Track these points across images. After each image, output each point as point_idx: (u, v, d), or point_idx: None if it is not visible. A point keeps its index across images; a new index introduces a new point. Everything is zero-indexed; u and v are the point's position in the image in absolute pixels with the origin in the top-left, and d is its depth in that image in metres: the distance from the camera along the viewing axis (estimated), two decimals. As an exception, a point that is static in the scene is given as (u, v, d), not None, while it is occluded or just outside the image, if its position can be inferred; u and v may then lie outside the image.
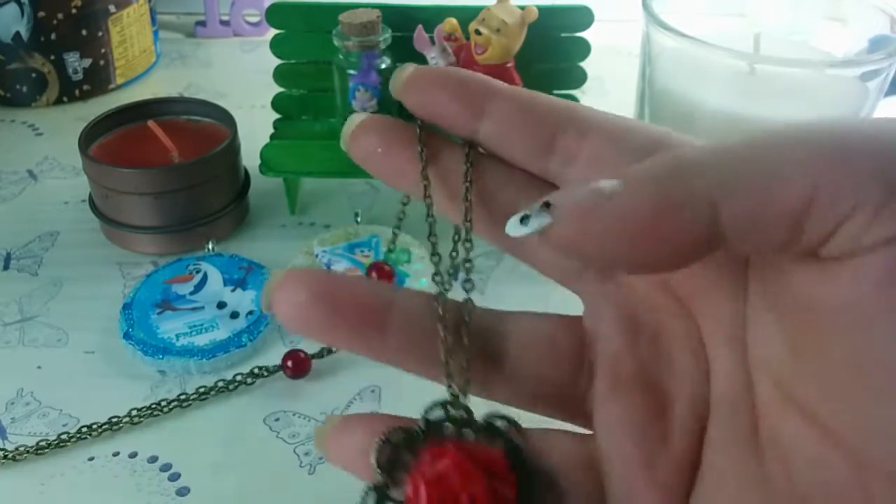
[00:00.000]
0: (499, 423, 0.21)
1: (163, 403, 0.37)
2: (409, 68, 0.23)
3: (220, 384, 0.38)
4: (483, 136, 0.23)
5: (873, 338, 0.18)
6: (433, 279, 0.23)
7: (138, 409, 0.37)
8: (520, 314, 0.24)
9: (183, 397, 0.37)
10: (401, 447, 0.21)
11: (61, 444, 0.35)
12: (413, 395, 0.39)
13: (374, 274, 0.41)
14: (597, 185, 0.19)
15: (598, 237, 0.18)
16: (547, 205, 0.19)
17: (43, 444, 0.35)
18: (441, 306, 0.22)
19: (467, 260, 0.23)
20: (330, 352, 0.40)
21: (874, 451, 0.18)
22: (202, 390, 0.38)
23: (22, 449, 0.35)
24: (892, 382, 0.18)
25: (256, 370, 0.39)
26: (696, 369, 0.22)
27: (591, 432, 0.23)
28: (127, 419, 0.36)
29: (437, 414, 0.21)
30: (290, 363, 0.38)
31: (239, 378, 0.38)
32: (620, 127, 0.22)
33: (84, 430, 0.36)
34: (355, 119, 0.24)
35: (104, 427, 0.36)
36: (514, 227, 0.19)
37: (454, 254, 0.23)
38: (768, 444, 0.21)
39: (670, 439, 0.22)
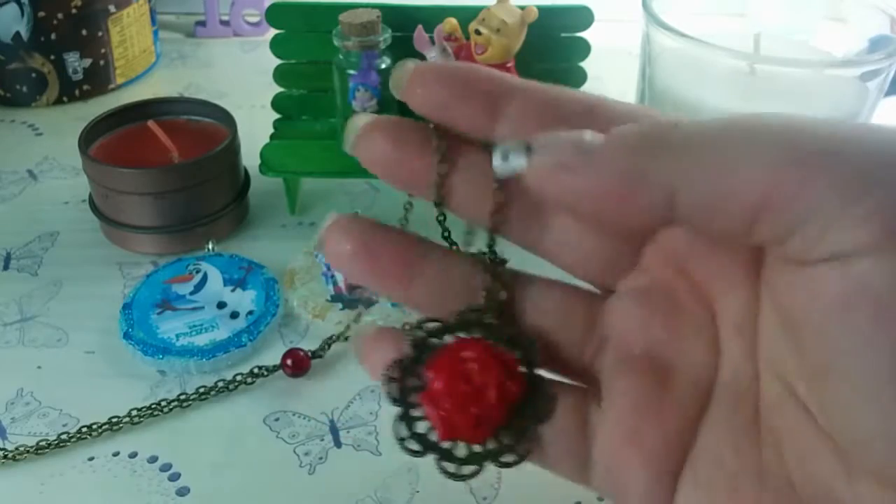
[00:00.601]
0: (522, 338, 0.23)
1: (163, 403, 0.37)
2: (409, 65, 0.22)
3: (220, 384, 0.38)
4: (499, 137, 0.22)
5: (840, 348, 0.18)
6: (465, 236, 0.24)
7: (138, 409, 0.37)
8: (543, 278, 0.25)
9: (183, 397, 0.37)
10: (431, 333, 0.23)
11: (61, 445, 0.35)
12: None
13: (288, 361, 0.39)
14: (579, 138, 0.20)
15: (567, 191, 0.20)
16: (529, 147, 0.20)
17: (43, 444, 0.35)
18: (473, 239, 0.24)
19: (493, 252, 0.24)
20: (329, 346, 0.40)
21: (861, 455, 0.19)
22: (202, 390, 0.38)
23: (22, 449, 0.35)
24: (872, 389, 0.18)
25: (256, 370, 0.39)
26: (706, 354, 0.23)
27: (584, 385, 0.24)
28: (127, 419, 0.36)
29: (470, 316, 0.23)
30: (289, 362, 0.38)
31: (239, 378, 0.38)
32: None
33: (84, 430, 0.36)
34: (359, 121, 0.23)
35: (104, 427, 0.36)
36: (497, 161, 0.20)
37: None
38: (766, 433, 0.21)
39: (666, 417, 0.22)
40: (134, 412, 0.37)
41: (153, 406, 0.37)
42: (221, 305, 0.42)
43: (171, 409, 0.37)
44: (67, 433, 0.36)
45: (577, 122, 0.21)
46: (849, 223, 0.17)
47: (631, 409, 0.22)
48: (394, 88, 0.23)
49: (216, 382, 0.38)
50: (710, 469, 0.22)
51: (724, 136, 0.19)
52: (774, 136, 0.18)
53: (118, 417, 0.36)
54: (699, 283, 0.23)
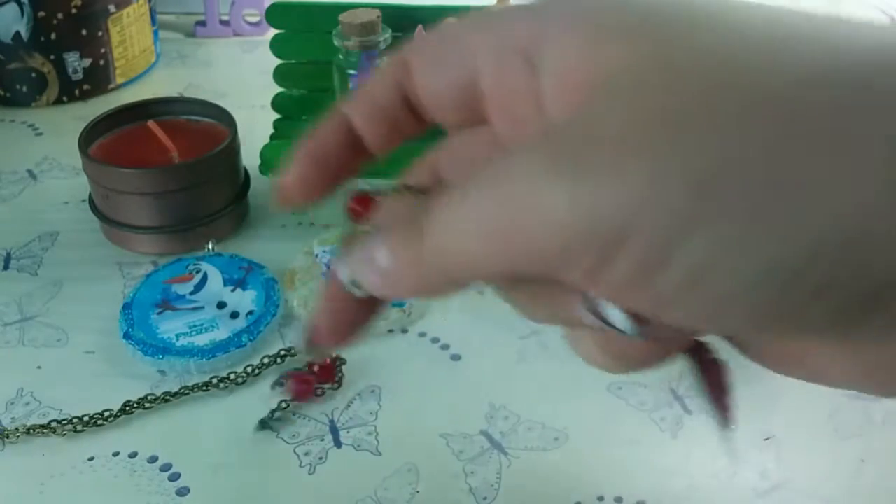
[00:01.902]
0: None
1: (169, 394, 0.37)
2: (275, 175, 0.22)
3: (249, 369, 0.38)
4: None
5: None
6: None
7: (140, 400, 0.37)
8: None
9: (234, 374, 0.37)
10: None
11: (60, 433, 0.35)
12: (413, 394, 0.39)
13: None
14: (369, 259, 0.19)
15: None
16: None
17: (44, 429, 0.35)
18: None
19: None
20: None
21: None
22: (238, 372, 0.38)
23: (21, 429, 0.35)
24: None
25: (284, 351, 0.39)
26: None
27: None
28: (122, 414, 0.36)
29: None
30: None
31: (267, 360, 0.39)
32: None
33: (76, 420, 0.36)
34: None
35: (95, 418, 0.36)
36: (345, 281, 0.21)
37: None
38: None
39: None
40: (134, 405, 0.37)
41: (162, 395, 0.37)
42: (221, 305, 0.42)
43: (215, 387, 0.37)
44: (61, 421, 0.36)
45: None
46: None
47: None
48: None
49: (245, 368, 0.39)
50: None
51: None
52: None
53: (110, 411, 0.36)
54: None
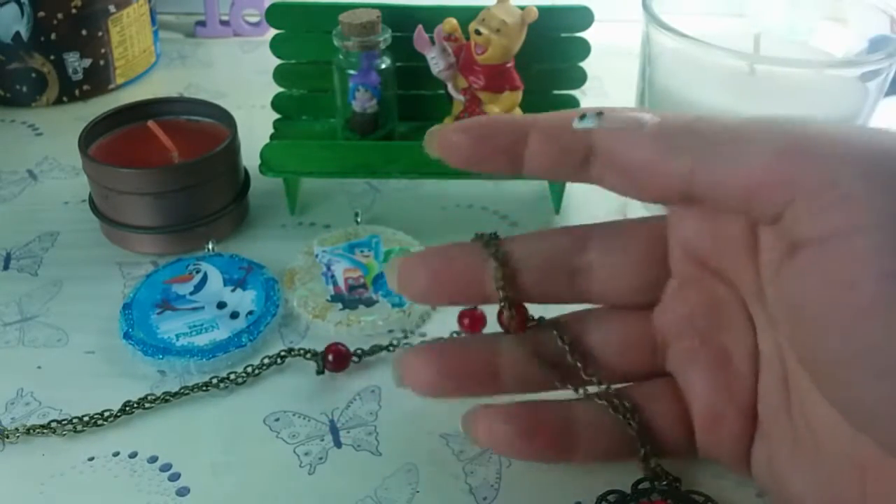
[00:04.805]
0: (697, 497, 0.30)
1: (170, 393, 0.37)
2: (434, 129, 0.28)
3: (254, 367, 0.38)
4: (528, 172, 0.28)
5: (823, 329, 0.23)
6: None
7: (140, 400, 0.37)
8: (595, 315, 0.31)
9: (233, 375, 0.37)
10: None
11: (59, 433, 0.35)
12: (413, 394, 0.39)
13: (465, 321, 0.39)
14: (638, 116, 0.26)
15: (621, 154, 0.26)
16: (600, 114, 0.26)
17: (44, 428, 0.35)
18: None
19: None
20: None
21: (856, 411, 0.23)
22: (236, 374, 0.38)
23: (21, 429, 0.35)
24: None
25: (284, 352, 0.39)
26: (746, 328, 0.28)
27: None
28: (122, 414, 0.36)
29: (645, 485, 0.30)
30: (331, 357, 0.38)
31: (267, 360, 0.39)
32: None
33: (76, 420, 0.36)
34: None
35: (95, 418, 0.36)
36: (575, 122, 0.27)
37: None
38: (793, 386, 0.27)
39: (736, 394, 0.28)
40: (134, 405, 0.37)
41: (162, 395, 0.37)
42: (221, 305, 0.42)
43: (216, 386, 0.38)
44: (61, 421, 0.36)
45: (583, 143, 0.27)
46: (824, 205, 0.22)
47: (710, 395, 0.29)
48: (428, 150, 0.28)
49: (245, 368, 0.39)
50: (765, 425, 0.28)
51: (734, 132, 0.25)
52: (772, 136, 0.24)
53: (110, 411, 0.36)
54: (718, 269, 0.28)
